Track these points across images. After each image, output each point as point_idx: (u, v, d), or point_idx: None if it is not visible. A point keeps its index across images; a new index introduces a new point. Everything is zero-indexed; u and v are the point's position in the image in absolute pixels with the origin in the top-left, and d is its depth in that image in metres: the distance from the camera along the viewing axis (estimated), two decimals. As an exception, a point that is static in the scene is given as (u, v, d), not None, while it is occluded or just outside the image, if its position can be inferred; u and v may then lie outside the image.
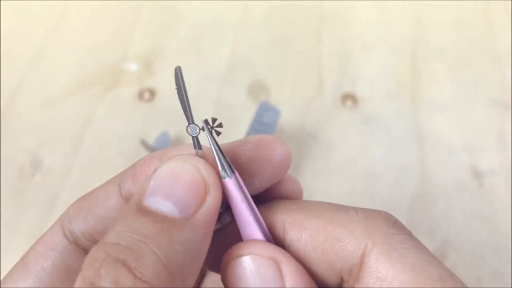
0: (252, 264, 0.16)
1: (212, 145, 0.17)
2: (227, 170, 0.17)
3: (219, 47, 0.50)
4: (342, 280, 0.17)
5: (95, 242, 0.19)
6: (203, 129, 0.17)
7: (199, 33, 0.52)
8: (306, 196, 0.41)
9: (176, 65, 0.18)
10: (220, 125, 0.17)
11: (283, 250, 0.17)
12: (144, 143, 0.20)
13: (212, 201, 0.16)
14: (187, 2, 0.54)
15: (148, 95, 0.47)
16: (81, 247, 0.19)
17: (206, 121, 0.17)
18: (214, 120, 0.18)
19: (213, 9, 0.54)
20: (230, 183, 0.17)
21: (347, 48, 0.50)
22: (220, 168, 0.17)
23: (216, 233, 0.19)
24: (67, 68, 0.49)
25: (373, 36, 0.51)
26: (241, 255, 0.16)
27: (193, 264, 0.16)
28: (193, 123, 0.17)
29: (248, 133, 0.39)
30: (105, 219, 0.19)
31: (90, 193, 0.20)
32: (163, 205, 0.15)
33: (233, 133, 0.43)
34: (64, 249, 0.19)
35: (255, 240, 0.17)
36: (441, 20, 0.53)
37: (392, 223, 0.16)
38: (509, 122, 0.44)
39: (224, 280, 0.17)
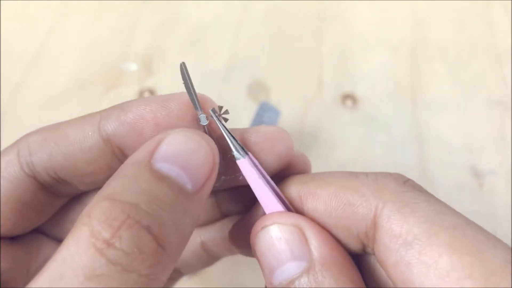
0: (278, 232, 0.17)
1: (223, 130, 0.18)
2: (240, 151, 0.18)
3: (219, 46, 0.50)
4: (363, 244, 0.17)
5: (58, 179, 0.19)
6: (212, 117, 0.18)
7: (199, 33, 0.52)
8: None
9: (176, 65, 0.19)
10: (226, 112, 0.19)
11: (304, 217, 0.17)
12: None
13: (214, 179, 0.17)
14: (187, 2, 0.54)
15: (148, 95, 0.47)
16: (39, 181, 0.19)
17: (213, 110, 0.18)
18: (220, 108, 0.19)
19: (213, 9, 0.54)
20: (245, 163, 0.18)
21: (347, 48, 0.50)
22: (234, 150, 0.18)
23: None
24: (67, 68, 0.49)
25: (373, 36, 0.51)
26: (266, 226, 0.17)
27: (190, 235, 0.16)
28: (202, 113, 0.18)
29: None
30: (77, 158, 0.18)
31: (57, 128, 0.19)
32: (179, 175, 0.15)
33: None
34: (19, 181, 0.18)
35: (278, 212, 0.17)
36: (441, 20, 0.53)
37: (402, 182, 0.16)
38: (509, 122, 0.44)
39: (255, 251, 0.17)
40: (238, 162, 0.18)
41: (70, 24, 0.53)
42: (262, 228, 0.17)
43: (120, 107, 0.18)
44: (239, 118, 0.44)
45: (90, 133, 0.18)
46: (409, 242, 0.14)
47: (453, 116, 0.45)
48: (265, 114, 0.40)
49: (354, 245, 0.17)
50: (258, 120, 0.40)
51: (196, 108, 0.18)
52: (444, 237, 0.14)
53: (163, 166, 0.15)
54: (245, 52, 0.50)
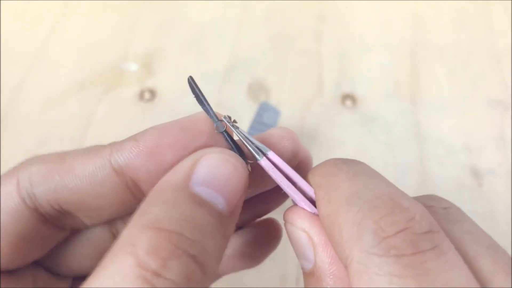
0: (290, 230, 0.18)
1: (239, 135, 0.19)
2: (259, 153, 0.19)
3: (219, 47, 0.50)
4: None
5: (62, 211, 0.18)
6: (227, 124, 0.19)
7: (199, 33, 0.52)
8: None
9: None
10: (235, 121, 0.20)
11: (316, 224, 0.17)
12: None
13: (244, 198, 0.17)
14: (187, 2, 0.54)
15: (148, 95, 0.47)
16: (41, 213, 0.18)
17: (226, 117, 0.19)
18: (229, 117, 0.19)
19: (213, 9, 0.54)
20: (263, 164, 0.19)
21: (347, 48, 0.50)
22: (253, 152, 0.19)
23: None
24: (67, 68, 0.49)
25: (373, 37, 0.51)
26: (286, 221, 0.18)
27: (223, 253, 0.16)
28: (218, 120, 0.19)
29: (248, 133, 0.39)
30: (85, 192, 0.17)
31: (62, 160, 0.18)
32: (216, 199, 0.15)
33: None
34: (19, 214, 0.17)
35: (296, 211, 0.18)
36: (440, 20, 0.53)
37: (379, 240, 0.14)
38: (509, 122, 0.44)
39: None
40: (259, 162, 0.19)
41: (70, 24, 0.53)
42: (285, 221, 0.18)
43: (134, 138, 0.18)
44: (239, 118, 0.44)
45: (100, 167, 0.17)
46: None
47: (452, 116, 0.45)
48: (265, 114, 0.40)
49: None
50: (258, 120, 0.40)
51: (212, 118, 0.19)
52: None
53: (202, 190, 0.15)
54: (245, 52, 0.50)
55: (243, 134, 0.19)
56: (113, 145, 0.18)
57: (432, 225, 0.14)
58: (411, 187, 0.41)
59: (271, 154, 0.19)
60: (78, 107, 0.46)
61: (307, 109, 0.46)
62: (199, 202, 0.15)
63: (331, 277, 0.16)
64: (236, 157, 0.17)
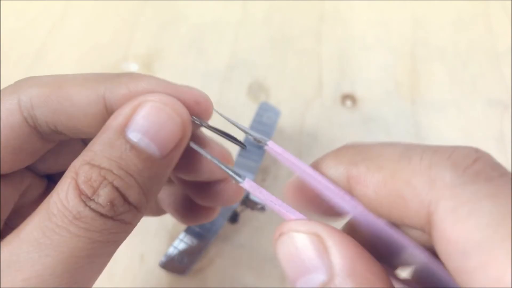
0: (294, 241, 0.15)
1: (220, 164, 0.20)
2: (240, 176, 0.19)
3: (219, 47, 0.50)
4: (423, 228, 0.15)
5: (57, 131, 0.20)
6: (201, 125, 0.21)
7: (199, 33, 0.52)
8: (306, 196, 0.41)
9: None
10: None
11: (325, 224, 0.15)
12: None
13: (183, 146, 0.20)
14: (187, 2, 0.54)
15: (148, 95, 0.47)
16: (38, 131, 0.20)
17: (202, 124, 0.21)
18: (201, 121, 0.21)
19: (213, 9, 0.54)
20: (247, 186, 0.18)
21: (347, 48, 0.50)
22: (234, 175, 0.19)
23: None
24: (67, 69, 0.49)
25: (373, 36, 0.51)
26: (283, 233, 0.16)
27: (158, 191, 0.20)
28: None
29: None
30: (79, 120, 0.20)
31: (60, 86, 0.20)
32: (148, 145, 0.18)
33: (233, 133, 0.43)
34: (21, 131, 0.20)
35: (296, 219, 0.16)
36: (440, 21, 0.53)
37: (462, 170, 0.13)
38: (509, 122, 0.44)
39: (278, 259, 0.16)
40: (241, 185, 0.18)
41: (70, 24, 0.53)
42: (280, 235, 0.16)
43: (127, 86, 0.20)
44: (239, 118, 0.45)
45: (93, 101, 0.20)
46: (468, 252, 0.12)
47: (452, 116, 0.45)
48: (265, 114, 0.40)
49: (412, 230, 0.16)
50: (258, 120, 0.40)
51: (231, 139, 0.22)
52: (510, 247, 0.11)
53: (134, 136, 0.18)
54: (245, 52, 0.50)
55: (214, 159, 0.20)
56: (107, 82, 0.20)
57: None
58: (411, 187, 0.41)
59: (271, 144, 0.19)
60: (78, 107, 0.46)
61: (307, 109, 0.46)
62: (130, 146, 0.18)
63: (357, 277, 0.14)
64: (174, 106, 0.19)
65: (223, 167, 0.19)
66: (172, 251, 0.35)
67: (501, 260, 0.11)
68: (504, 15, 0.52)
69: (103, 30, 0.52)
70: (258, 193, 0.18)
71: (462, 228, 0.12)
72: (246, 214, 0.39)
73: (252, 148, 0.38)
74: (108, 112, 0.20)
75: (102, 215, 0.17)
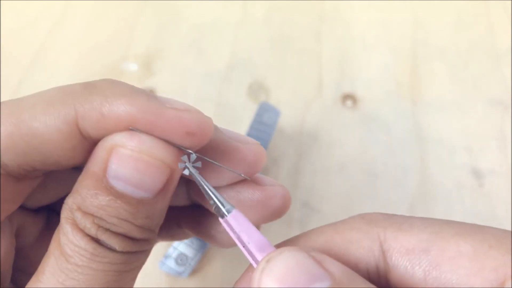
0: (289, 258, 0.15)
1: (204, 188, 0.18)
2: (223, 210, 0.17)
3: (219, 47, 0.50)
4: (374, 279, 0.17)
5: (32, 170, 0.18)
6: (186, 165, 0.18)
7: (199, 33, 0.52)
8: (306, 197, 0.41)
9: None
10: (198, 160, 0.18)
11: (307, 246, 0.17)
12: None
13: (177, 177, 0.18)
14: (187, 2, 0.54)
15: (148, 95, 0.47)
16: (13, 176, 0.18)
17: (186, 158, 0.17)
18: (191, 155, 0.18)
19: (213, 9, 0.54)
20: (225, 223, 0.17)
21: (347, 48, 0.50)
22: (218, 209, 0.17)
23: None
24: (67, 68, 0.49)
25: (373, 36, 0.51)
26: (273, 257, 0.15)
27: (161, 219, 0.18)
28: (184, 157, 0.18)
29: (248, 134, 0.39)
30: (56, 155, 0.17)
31: (21, 121, 0.17)
32: (134, 192, 0.17)
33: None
34: None
35: (283, 247, 0.16)
36: (441, 20, 0.53)
37: (385, 214, 0.17)
38: (509, 122, 0.44)
39: (269, 283, 0.15)
40: (221, 220, 0.17)
41: (70, 24, 0.53)
42: (268, 261, 0.15)
43: (99, 110, 0.17)
44: (239, 118, 0.44)
45: (67, 133, 0.17)
46: (426, 248, 0.15)
47: (453, 116, 0.45)
48: (265, 114, 0.40)
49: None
50: (258, 120, 0.40)
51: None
52: (449, 230, 0.14)
53: (117, 184, 0.16)
54: (245, 52, 0.50)
55: (204, 185, 0.17)
56: (77, 103, 0.17)
57: None
58: (411, 187, 0.41)
59: (235, 214, 0.17)
60: (78, 107, 0.46)
61: (307, 109, 0.46)
62: (115, 194, 0.16)
63: (357, 278, 0.15)
64: (151, 152, 0.17)
65: (210, 193, 0.17)
66: (171, 251, 0.35)
67: (451, 242, 0.14)
68: (505, 15, 0.52)
69: (103, 30, 0.52)
70: (232, 234, 0.17)
71: (412, 236, 0.15)
72: (246, 214, 0.39)
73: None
74: (85, 138, 0.17)
75: (117, 252, 0.17)
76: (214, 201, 0.17)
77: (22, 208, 0.21)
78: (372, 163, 0.42)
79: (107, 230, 0.16)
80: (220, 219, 0.17)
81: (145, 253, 0.18)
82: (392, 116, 0.45)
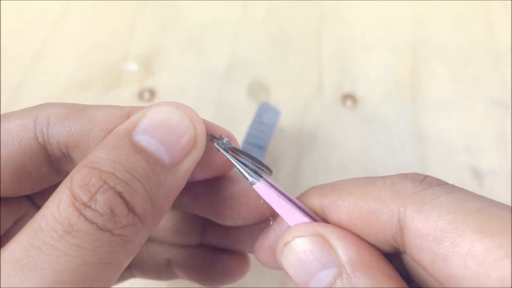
0: (301, 245, 0.17)
1: (233, 157, 0.19)
2: (254, 176, 0.18)
3: (219, 47, 0.50)
4: (394, 248, 0.17)
5: (67, 155, 0.19)
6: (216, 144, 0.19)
7: (199, 33, 0.52)
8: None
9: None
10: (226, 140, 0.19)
11: (325, 224, 0.17)
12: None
13: (197, 155, 0.18)
14: (187, 2, 0.54)
15: (148, 95, 0.47)
16: (48, 153, 0.18)
17: (215, 138, 0.19)
18: (220, 136, 0.19)
19: (213, 9, 0.54)
20: (261, 186, 0.18)
21: (347, 48, 0.50)
22: (248, 176, 0.18)
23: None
24: (67, 68, 0.49)
25: (373, 36, 0.51)
26: (288, 241, 0.17)
27: (167, 206, 0.17)
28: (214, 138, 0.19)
29: (248, 133, 0.39)
30: (95, 140, 0.18)
31: (83, 109, 0.18)
32: (157, 148, 0.17)
33: (233, 133, 0.43)
34: (29, 147, 0.18)
35: (297, 224, 0.17)
36: (441, 20, 0.53)
37: (419, 182, 0.17)
38: (509, 122, 0.44)
39: (283, 268, 0.17)
40: (254, 186, 0.18)
41: (70, 24, 0.53)
42: (285, 244, 0.17)
43: (147, 109, 0.19)
44: (239, 118, 0.44)
45: (116, 117, 0.18)
46: (439, 237, 0.14)
47: (453, 116, 0.45)
48: (265, 114, 0.40)
49: (386, 249, 0.17)
50: (258, 120, 0.40)
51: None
52: (470, 223, 0.14)
53: (142, 138, 0.17)
54: (245, 52, 0.50)
55: (238, 155, 0.19)
56: (129, 107, 0.19)
57: None
58: (411, 187, 0.41)
59: (264, 180, 0.18)
60: (78, 107, 0.46)
61: (307, 109, 0.46)
62: (137, 148, 0.16)
63: (363, 264, 0.16)
64: (186, 110, 0.18)
65: (240, 168, 0.18)
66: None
67: (465, 237, 0.14)
68: (505, 14, 0.52)
69: (103, 29, 0.52)
70: (270, 193, 0.18)
71: (430, 221, 0.15)
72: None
73: (252, 148, 0.38)
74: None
75: (99, 227, 0.14)
76: (254, 168, 0.18)
77: (32, 199, 0.22)
78: (372, 163, 0.42)
79: (108, 190, 0.15)
80: (260, 181, 0.18)
81: (125, 246, 0.15)
82: (392, 116, 0.45)
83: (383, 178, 0.18)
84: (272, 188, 0.18)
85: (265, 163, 0.19)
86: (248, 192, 0.20)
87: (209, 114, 0.45)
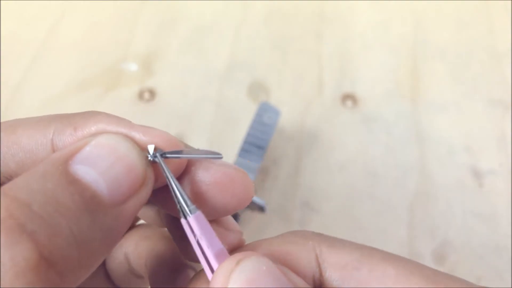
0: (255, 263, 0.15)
1: (171, 183, 0.16)
2: (186, 210, 0.15)
3: (219, 47, 0.50)
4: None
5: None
6: (155, 157, 0.16)
7: (199, 33, 0.52)
8: (306, 197, 0.41)
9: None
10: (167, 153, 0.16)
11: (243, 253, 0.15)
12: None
13: (145, 195, 0.15)
14: (187, 2, 0.54)
15: (148, 95, 0.47)
16: None
17: (157, 150, 0.16)
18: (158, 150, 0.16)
19: (213, 9, 0.54)
20: (186, 225, 0.15)
21: (347, 48, 0.50)
22: (181, 210, 0.15)
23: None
24: (67, 69, 0.49)
25: (373, 36, 0.51)
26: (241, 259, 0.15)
27: (103, 253, 0.14)
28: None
29: (248, 133, 0.39)
30: (27, 166, 0.16)
31: (13, 130, 0.16)
32: (95, 180, 0.14)
33: (233, 133, 0.43)
34: None
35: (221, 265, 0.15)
36: (441, 20, 0.53)
37: (314, 232, 0.18)
38: (509, 122, 0.44)
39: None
40: (181, 221, 0.16)
41: (70, 24, 0.53)
42: (237, 263, 0.14)
43: (74, 125, 0.16)
44: (239, 118, 0.44)
45: (41, 145, 0.16)
46: (357, 267, 0.16)
47: (453, 116, 0.45)
48: (265, 114, 0.40)
49: None
50: (258, 120, 0.40)
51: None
52: (378, 255, 0.16)
53: (79, 168, 0.14)
54: (245, 52, 0.50)
55: (174, 184, 0.16)
56: (57, 123, 0.16)
57: None
58: (411, 187, 0.41)
59: (198, 215, 0.15)
60: (77, 107, 0.46)
61: (307, 109, 0.46)
62: (71, 179, 0.13)
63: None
64: (134, 143, 0.15)
65: (176, 196, 0.15)
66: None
67: (379, 264, 0.16)
68: (505, 15, 0.52)
69: (103, 30, 0.52)
70: (190, 237, 0.15)
71: (345, 254, 0.16)
72: (246, 215, 0.39)
73: (252, 148, 0.38)
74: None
75: None
76: (179, 199, 0.15)
77: None
78: (372, 163, 0.42)
79: (14, 226, 0.11)
80: (182, 220, 0.15)
81: None
82: (392, 116, 0.45)
83: (280, 235, 0.18)
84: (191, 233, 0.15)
85: (213, 150, 0.17)
86: (224, 176, 0.17)
87: (209, 114, 0.45)
